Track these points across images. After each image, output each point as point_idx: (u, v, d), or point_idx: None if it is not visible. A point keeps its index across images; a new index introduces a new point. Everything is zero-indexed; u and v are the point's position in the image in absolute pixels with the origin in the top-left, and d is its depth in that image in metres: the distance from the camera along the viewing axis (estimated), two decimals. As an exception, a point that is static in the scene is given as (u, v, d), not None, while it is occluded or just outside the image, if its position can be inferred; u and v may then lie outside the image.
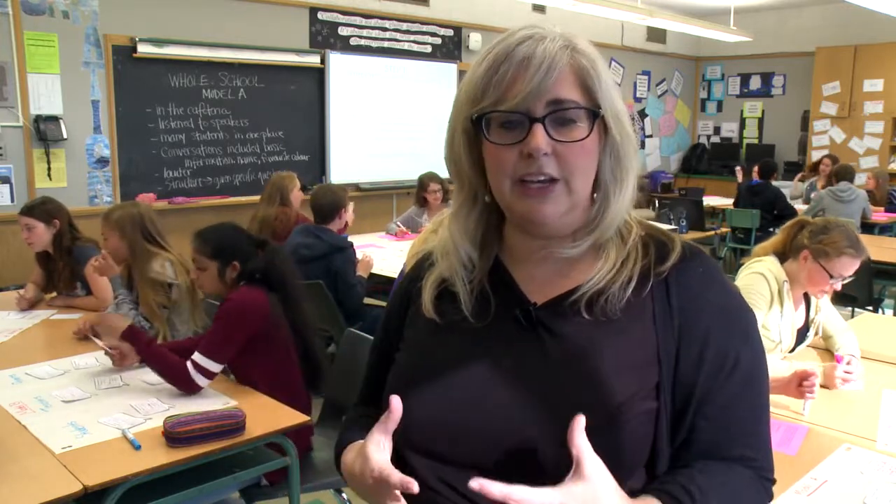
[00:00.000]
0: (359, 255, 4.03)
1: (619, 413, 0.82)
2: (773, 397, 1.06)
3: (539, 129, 0.83)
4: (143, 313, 2.81)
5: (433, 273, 0.97)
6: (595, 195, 0.89)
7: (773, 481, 0.90)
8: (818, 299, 2.45)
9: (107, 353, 2.43)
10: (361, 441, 0.89)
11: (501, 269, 0.95)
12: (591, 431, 0.78)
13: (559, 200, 0.85)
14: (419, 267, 1.03)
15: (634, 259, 0.89)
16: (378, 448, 0.84)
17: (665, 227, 0.99)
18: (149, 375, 2.36)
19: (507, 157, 0.85)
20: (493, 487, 0.73)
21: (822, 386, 2.16)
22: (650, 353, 0.86)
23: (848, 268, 2.28)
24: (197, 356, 2.18)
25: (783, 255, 2.42)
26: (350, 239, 4.00)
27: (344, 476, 0.96)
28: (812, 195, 7.00)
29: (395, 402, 0.84)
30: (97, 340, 2.72)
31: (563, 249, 0.90)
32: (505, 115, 0.84)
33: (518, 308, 0.91)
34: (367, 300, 4.13)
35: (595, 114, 0.84)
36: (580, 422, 0.77)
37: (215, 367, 2.20)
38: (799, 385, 1.99)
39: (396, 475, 0.80)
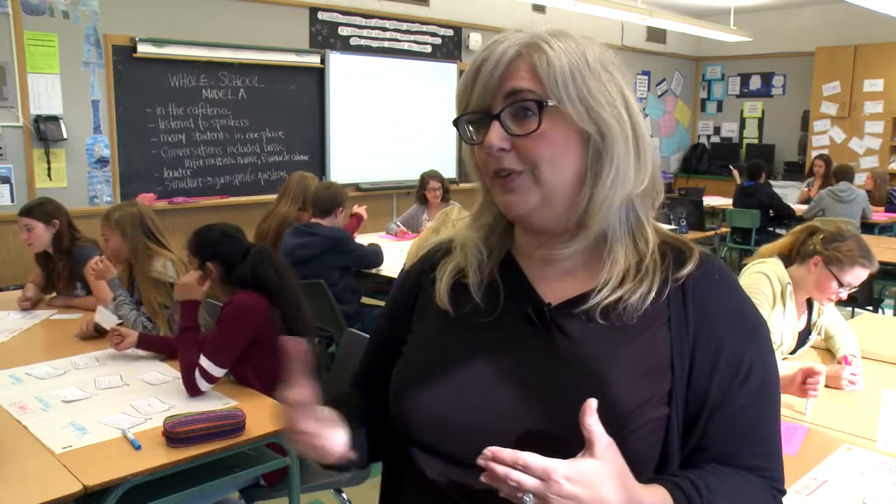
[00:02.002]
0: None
1: (629, 419, 0.82)
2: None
3: (493, 126, 0.85)
4: (146, 313, 2.81)
5: (449, 263, 0.98)
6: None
7: (784, 492, 0.90)
8: (822, 306, 2.45)
9: (109, 335, 2.47)
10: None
11: (510, 260, 0.96)
12: None
13: (525, 191, 0.86)
14: (430, 258, 1.03)
15: (654, 270, 0.88)
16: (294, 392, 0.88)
17: (665, 227, 0.97)
18: (149, 375, 2.37)
19: (480, 155, 0.88)
20: (505, 453, 0.74)
21: (824, 385, 2.16)
22: (664, 359, 0.85)
23: (858, 277, 2.25)
24: (201, 359, 2.18)
25: (788, 259, 2.40)
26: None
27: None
28: (811, 195, 6.99)
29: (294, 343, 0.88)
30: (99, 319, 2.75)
31: (558, 250, 0.90)
32: (474, 117, 0.88)
33: (531, 307, 0.90)
34: (367, 300, 4.13)
35: (541, 104, 0.83)
36: (592, 405, 0.75)
37: (217, 371, 2.19)
38: (803, 383, 1.98)
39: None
